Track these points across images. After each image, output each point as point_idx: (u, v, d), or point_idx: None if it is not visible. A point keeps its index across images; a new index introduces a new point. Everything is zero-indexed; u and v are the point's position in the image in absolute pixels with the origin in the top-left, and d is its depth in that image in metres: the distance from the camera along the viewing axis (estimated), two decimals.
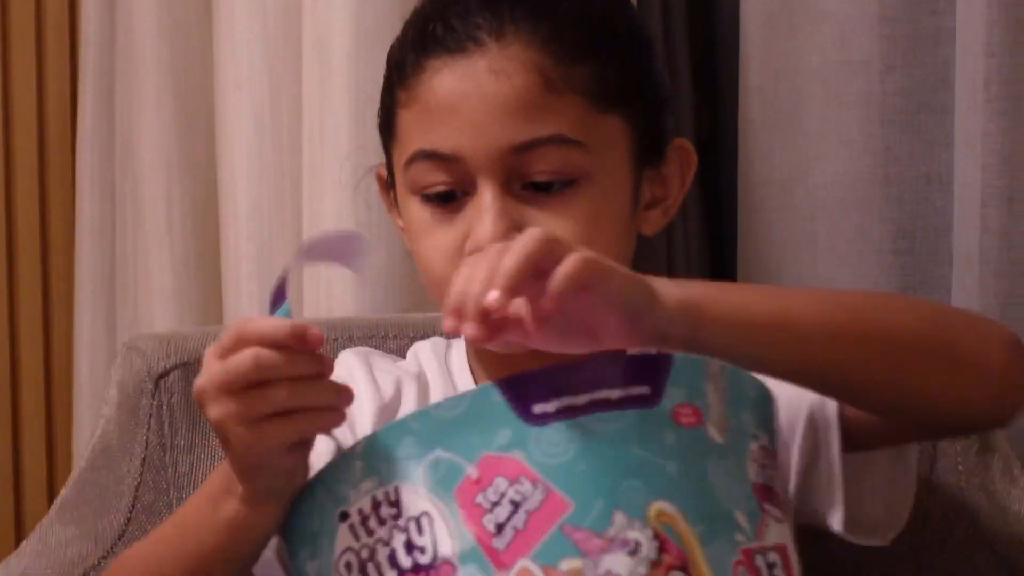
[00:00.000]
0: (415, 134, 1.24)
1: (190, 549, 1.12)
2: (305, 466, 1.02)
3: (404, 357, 1.42)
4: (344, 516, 0.98)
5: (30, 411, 2.22)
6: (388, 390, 1.33)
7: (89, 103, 2.05)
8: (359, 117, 1.64)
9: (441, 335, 1.43)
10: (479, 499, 0.95)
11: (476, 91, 1.21)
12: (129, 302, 1.96)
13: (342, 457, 0.99)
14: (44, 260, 2.19)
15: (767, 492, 1.00)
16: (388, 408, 1.32)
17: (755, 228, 1.74)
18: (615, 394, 0.96)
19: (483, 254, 1.01)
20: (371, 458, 0.97)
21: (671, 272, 1.79)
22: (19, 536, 2.24)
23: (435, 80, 1.22)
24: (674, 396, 0.97)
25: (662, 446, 0.96)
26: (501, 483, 0.95)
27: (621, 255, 1.27)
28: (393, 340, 1.52)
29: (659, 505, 0.96)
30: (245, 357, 0.94)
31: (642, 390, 0.96)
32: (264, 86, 1.81)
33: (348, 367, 1.34)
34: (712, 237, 1.87)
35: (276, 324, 0.97)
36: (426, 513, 0.95)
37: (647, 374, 0.97)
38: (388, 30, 1.55)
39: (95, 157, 2.05)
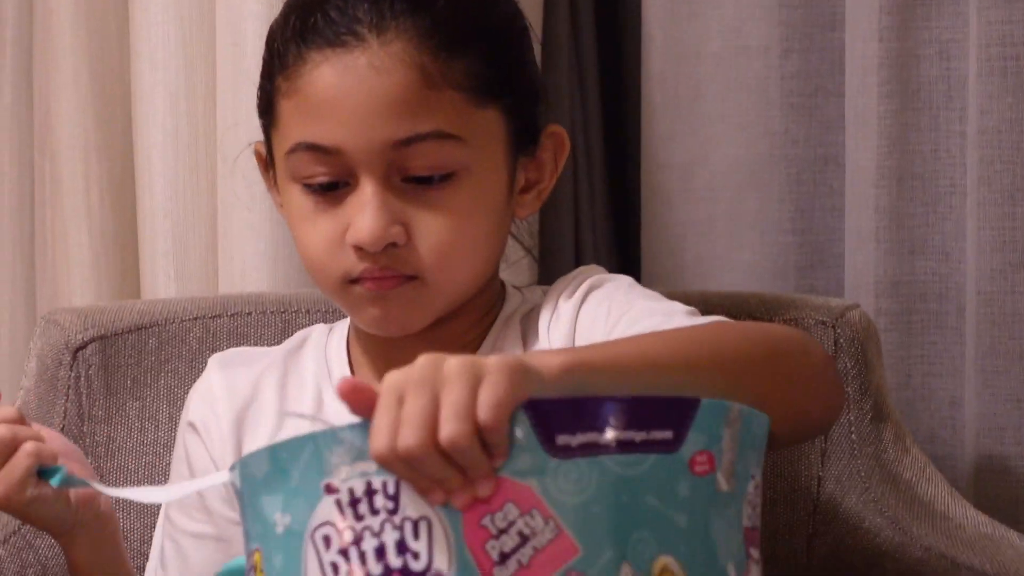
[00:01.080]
0: (296, 125, 1.25)
1: None
2: (66, 495, 1.19)
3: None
4: (331, 489, 0.93)
5: None
6: (243, 392, 1.35)
7: (7, 84, 1.99)
8: None
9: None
10: (485, 521, 0.91)
11: (357, 87, 1.22)
12: (48, 277, 1.95)
13: (332, 432, 0.95)
14: None
15: (752, 534, 0.98)
16: (245, 410, 1.35)
17: (657, 210, 1.76)
18: (639, 436, 0.92)
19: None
20: (368, 441, 0.93)
21: (578, 253, 1.83)
22: None
23: (316, 73, 1.23)
24: (693, 442, 0.94)
25: (675, 496, 0.94)
26: (512, 511, 0.91)
27: (495, 240, 1.30)
28: (304, 315, 1.53)
29: (664, 560, 0.93)
30: None
31: (665, 434, 0.93)
32: (179, 67, 1.79)
33: (207, 379, 1.37)
34: (617, 219, 1.88)
35: None
36: (426, 519, 0.91)
37: (672, 417, 0.94)
38: None
39: (14, 136, 2.00)
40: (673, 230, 1.74)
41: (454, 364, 0.89)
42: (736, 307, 1.51)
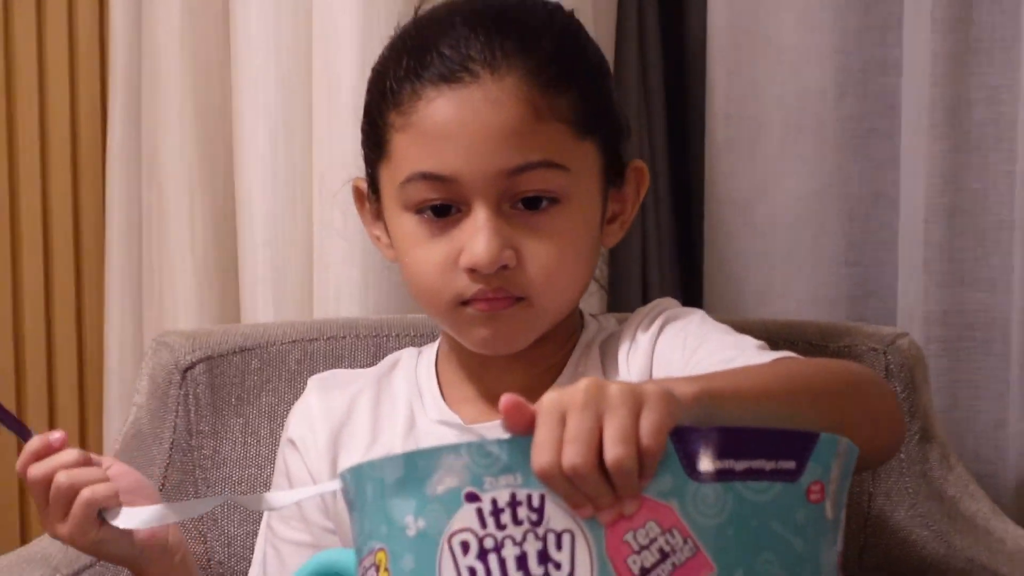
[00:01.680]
0: (412, 156, 1.26)
1: None
2: (130, 534, 1.22)
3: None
4: (473, 498, 0.94)
5: (65, 401, 2.22)
6: (339, 412, 1.38)
7: (118, 121, 2.07)
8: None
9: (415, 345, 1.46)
10: (628, 537, 0.92)
11: (473, 119, 1.23)
12: (155, 303, 1.98)
13: (479, 444, 0.95)
14: (77, 264, 2.21)
15: (840, 558, 1.00)
16: (340, 428, 1.38)
17: (719, 242, 1.77)
18: (768, 465, 0.94)
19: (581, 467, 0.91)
20: (517, 456, 0.93)
21: (645, 284, 1.88)
22: None
23: (432, 107, 1.24)
24: (811, 472, 0.95)
25: (794, 522, 0.95)
26: (654, 528, 0.92)
27: (590, 266, 1.32)
28: (395, 339, 1.54)
29: None
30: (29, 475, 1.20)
31: (789, 464, 0.95)
32: (278, 105, 1.82)
33: (306, 399, 1.40)
34: (681, 252, 1.89)
35: (33, 446, 1.21)
36: (570, 531, 0.92)
37: (796, 449, 0.96)
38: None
39: (123, 170, 2.07)
40: (734, 262, 1.75)
41: (617, 389, 0.90)
42: (794, 334, 1.52)
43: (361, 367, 1.47)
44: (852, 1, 1.66)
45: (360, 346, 1.55)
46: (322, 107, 1.76)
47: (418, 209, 1.26)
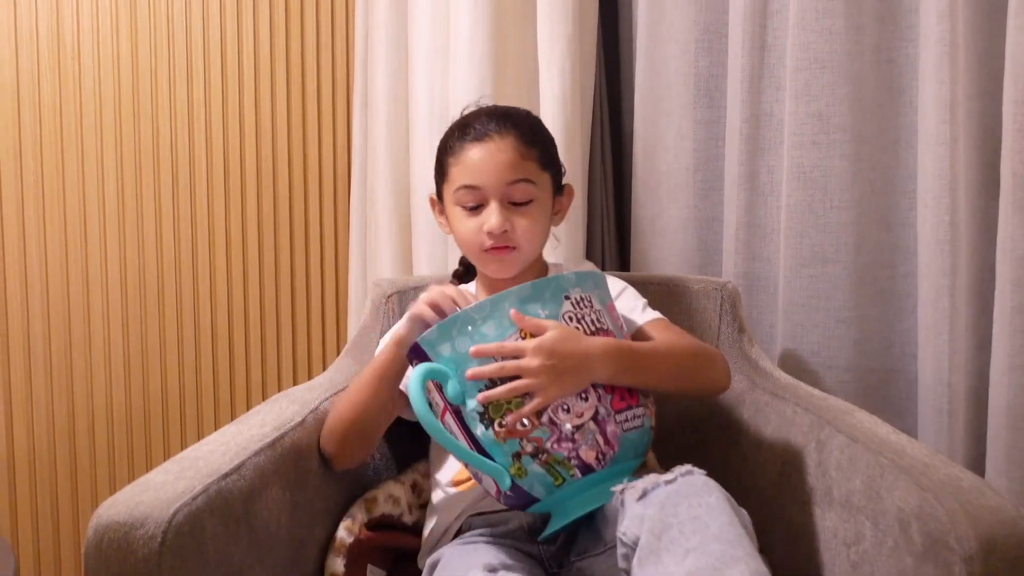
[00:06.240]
0: (459, 177, 1.55)
1: (361, 393, 1.48)
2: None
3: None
4: (567, 297, 1.29)
5: (330, 314, 2.60)
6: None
7: (357, 138, 2.43)
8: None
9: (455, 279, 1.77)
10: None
11: (490, 158, 1.53)
12: (371, 262, 2.34)
13: (561, 276, 1.31)
14: (335, 239, 2.58)
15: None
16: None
17: (639, 229, 2.17)
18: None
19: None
20: (583, 282, 1.32)
21: (603, 244, 2.20)
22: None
23: (470, 152, 1.54)
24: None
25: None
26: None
27: (545, 234, 1.61)
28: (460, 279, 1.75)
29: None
30: (435, 297, 1.38)
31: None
32: (430, 141, 2.13)
33: (437, 288, 1.49)
34: (620, 229, 2.30)
35: (441, 293, 1.39)
36: (600, 310, 1.30)
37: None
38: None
39: (358, 176, 2.44)
40: (647, 233, 2.13)
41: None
42: (675, 281, 1.87)
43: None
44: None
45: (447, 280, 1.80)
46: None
47: (462, 205, 1.56)
